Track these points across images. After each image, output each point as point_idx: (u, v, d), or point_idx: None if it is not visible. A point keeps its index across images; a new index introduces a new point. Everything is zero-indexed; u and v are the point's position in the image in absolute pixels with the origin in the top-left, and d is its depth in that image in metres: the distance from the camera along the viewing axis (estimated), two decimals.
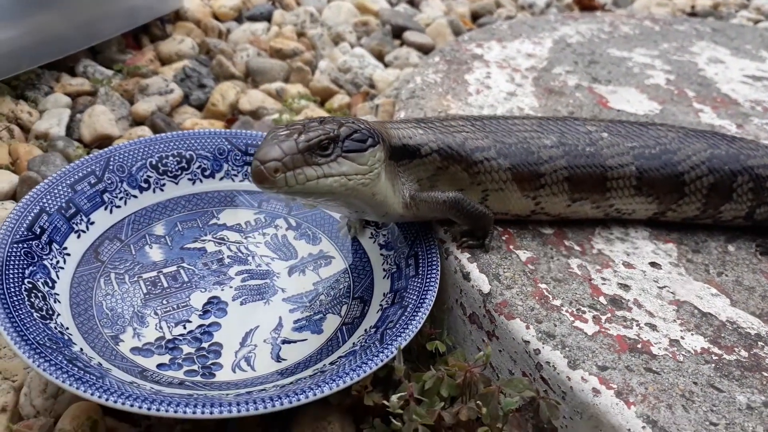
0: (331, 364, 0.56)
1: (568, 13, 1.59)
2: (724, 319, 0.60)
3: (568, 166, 0.65)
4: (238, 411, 0.48)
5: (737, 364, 0.55)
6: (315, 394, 0.50)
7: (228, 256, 0.69)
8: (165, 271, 0.66)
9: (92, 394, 0.48)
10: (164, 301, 0.63)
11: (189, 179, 0.75)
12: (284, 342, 0.61)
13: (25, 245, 0.61)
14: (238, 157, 0.77)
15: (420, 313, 0.58)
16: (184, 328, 0.61)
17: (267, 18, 1.41)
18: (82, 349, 0.55)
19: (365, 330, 0.60)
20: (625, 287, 0.62)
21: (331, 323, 0.63)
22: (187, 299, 0.63)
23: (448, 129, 0.65)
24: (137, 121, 1.05)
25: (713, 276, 0.65)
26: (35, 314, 0.55)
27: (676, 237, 0.70)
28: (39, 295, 0.58)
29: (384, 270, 0.67)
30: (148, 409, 0.47)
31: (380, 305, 0.63)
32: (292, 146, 0.54)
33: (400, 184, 0.63)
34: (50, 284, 0.60)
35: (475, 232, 0.64)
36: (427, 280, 0.61)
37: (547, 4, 1.65)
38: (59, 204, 0.66)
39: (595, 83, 1.03)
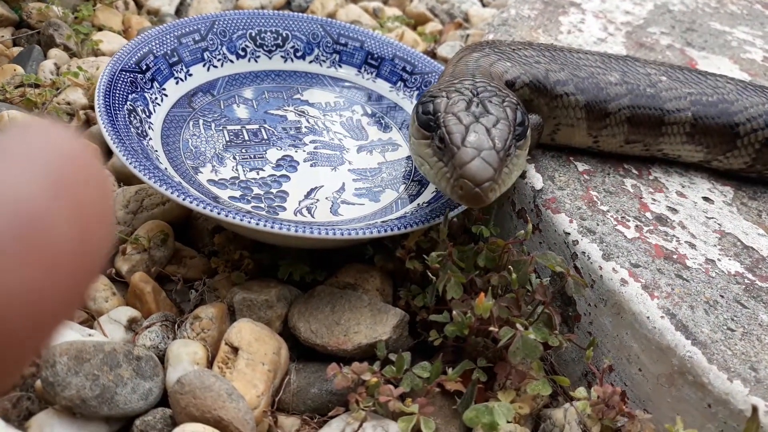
0: (383, 222, 0.60)
1: None
2: (765, 255, 0.61)
3: (630, 105, 0.66)
4: (320, 233, 0.54)
5: None
6: (363, 233, 0.55)
7: (305, 127, 0.74)
8: (248, 127, 0.72)
9: (178, 197, 0.54)
10: (243, 150, 0.69)
11: (281, 56, 0.81)
12: (343, 202, 0.66)
13: (131, 75, 0.67)
14: (329, 45, 0.82)
15: None
16: (257, 174, 0.66)
17: None
18: (166, 169, 0.62)
19: (418, 204, 0.65)
20: (673, 210, 0.64)
21: (389, 196, 0.67)
22: (264, 152, 0.69)
23: (530, 60, 0.67)
24: None
25: (764, 220, 0.66)
26: (132, 130, 0.62)
27: (735, 184, 0.71)
28: (138, 118, 0.65)
29: None
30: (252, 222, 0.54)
31: (435, 189, 0.67)
32: (495, 159, 0.51)
33: None
34: (147, 114, 0.67)
35: None
36: None
37: None
38: (165, 50, 0.72)
39: (688, 47, 1.03)
